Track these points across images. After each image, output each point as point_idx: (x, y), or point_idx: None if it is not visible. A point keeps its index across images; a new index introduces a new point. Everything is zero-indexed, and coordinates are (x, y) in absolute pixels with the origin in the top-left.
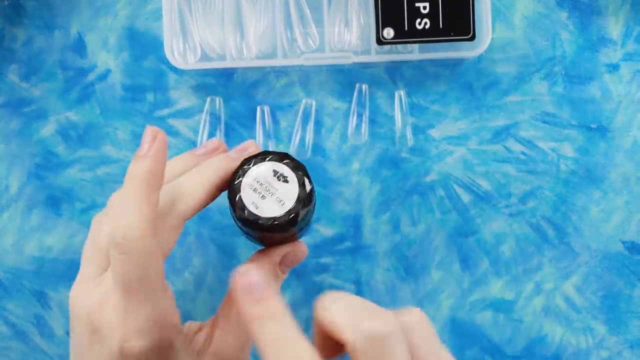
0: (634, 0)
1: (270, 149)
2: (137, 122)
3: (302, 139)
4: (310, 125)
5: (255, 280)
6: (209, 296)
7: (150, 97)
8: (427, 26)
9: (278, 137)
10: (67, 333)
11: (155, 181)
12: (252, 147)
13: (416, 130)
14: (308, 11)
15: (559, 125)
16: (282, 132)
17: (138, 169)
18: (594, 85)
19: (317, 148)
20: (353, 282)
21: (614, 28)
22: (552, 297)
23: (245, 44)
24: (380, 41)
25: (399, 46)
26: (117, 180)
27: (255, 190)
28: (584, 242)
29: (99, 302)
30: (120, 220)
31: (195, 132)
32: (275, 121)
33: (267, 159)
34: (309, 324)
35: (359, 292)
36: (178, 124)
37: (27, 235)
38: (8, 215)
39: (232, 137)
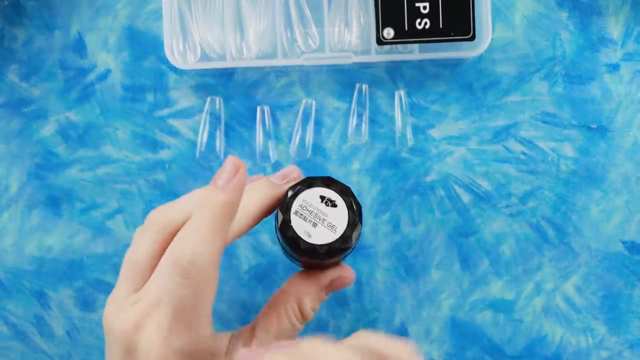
0: (634, 0)
1: (271, 150)
2: (137, 122)
3: (302, 139)
4: (310, 125)
5: None
6: None
7: (150, 97)
8: (427, 26)
9: (278, 137)
10: (67, 333)
11: (231, 213)
12: (294, 172)
13: (416, 130)
14: (308, 11)
15: (559, 125)
16: (282, 132)
17: (215, 197)
18: (594, 85)
19: (317, 148)
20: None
21: (614, 28)
22: (552, 297)
23: (245, 44)
24: (380, 41)
25: (399, 46)
26: (117, 180)
27: (305, 218)
28: (584, 242)
29: (134, 322)
30: (190, 245)
31: (195, 132)
32: (275, 121)
33: (312, 185)
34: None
35: (359, 292)
36: (178, 124)
37: (27, 235)
38: (8, 215)
39: (232, 137)
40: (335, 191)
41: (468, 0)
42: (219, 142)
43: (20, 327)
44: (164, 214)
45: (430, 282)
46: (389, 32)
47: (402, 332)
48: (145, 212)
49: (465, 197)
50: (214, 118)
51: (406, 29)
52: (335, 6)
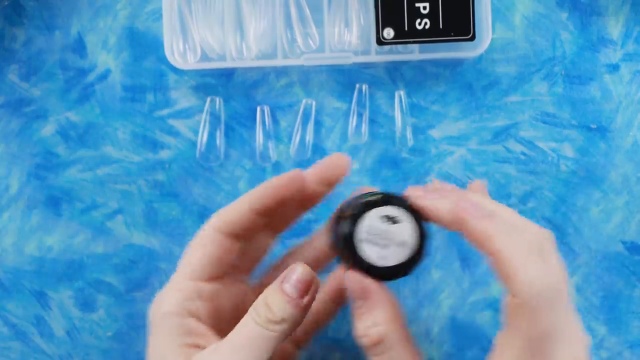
0: (634, 0)
1: (271, 150)
2: (137, 122)
3: (302, 139)
4: (310, 125)
5: None
6: None
7: (150, 97)
8: (427, 26)
9: (278, 137)
10: (67, 333)
11: (255, 197)
12: (338, 163)
13: (416, 130)
14: (308, 11)
15: (559, 126)
16: (282, 132)
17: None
18: (594, 85)
19: (317, 148)
20: None
21: (614, 28)
22: None
23: (245, 44)
24: (380, 41)
25: (399, 46)
26: (117, 181)
27: (375, 243)
28: (584, 242)
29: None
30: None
31: (195, 132)
32: (275, 121)
33: (369, 208)
34: None
35: None
36: (178, 124)
37: (27, 235)
38: (8, 215)
39: (232, 137)
40: (394, 206)
41: (468, 1)
42: (219, 142)
43: (20, 327)
44: None
45: (430, 281)
46: (389, 32)
47: None
48: (145, 212)
49: None
50: (214, 118)
51: (406, 29)
52: (335, 6)
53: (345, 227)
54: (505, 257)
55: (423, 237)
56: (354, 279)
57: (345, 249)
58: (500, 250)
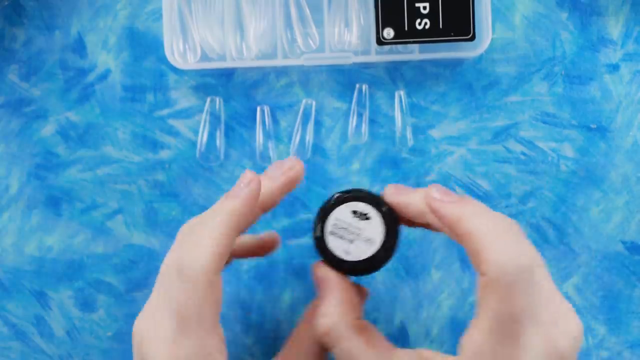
0: (634, 0)
1: (271, 150)
2: (137, 122)
3: (302, 139)
4: (310, 125)
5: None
6: None
7: (150, 97)
8: (427, 26)
9: (278, 137)
10: (67, 333)
11: (237, 221)
12: (290, 163)
13: (416, 130)
14: (308, 11)
15: (559, 126)
16: (282, 132)
17: (223, 205)
18: (594, 85)
19: (317, 148)
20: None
21: (614, 28)
22: None
23: (245, 44)
24: (380, 41)
25: (399, 46)
26: (117, 181)
27: (341, 237)
28: (584, 242)
29: (148, 332)
30: (191, 249)
31: (195, 132)
32: (275, 121)
33: (343, 202)
34: None
35: None
36: (178, 124)
37: (27, 235)
38: (8, 215)
39: (232, 137)
40: (366, 202)
41: (468, 1)
42: (219, 142)
43: (20, 327)
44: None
45: (430, 282)
46: (389, 32)
47: (402, 332)
48: (145, 212)
49: None
50: (214, 118)
51: (406, 29)
52: (335, 6)
53: (317, 221)
54: (476, 236)
55: (392, 235)
56: (316, 270)
57: (316, 241)
58: (471, 230)
